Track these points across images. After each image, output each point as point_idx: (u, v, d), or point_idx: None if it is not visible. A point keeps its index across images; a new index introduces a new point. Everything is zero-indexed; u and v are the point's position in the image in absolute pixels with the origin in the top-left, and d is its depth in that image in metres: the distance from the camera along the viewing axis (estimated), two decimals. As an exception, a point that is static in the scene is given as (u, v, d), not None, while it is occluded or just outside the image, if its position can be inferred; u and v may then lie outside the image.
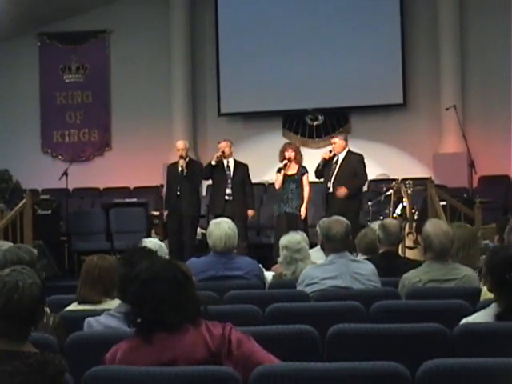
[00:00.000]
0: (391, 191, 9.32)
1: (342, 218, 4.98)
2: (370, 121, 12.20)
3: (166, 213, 10.11)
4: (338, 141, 9.24)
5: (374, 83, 11.91)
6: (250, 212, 9.62)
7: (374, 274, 4.82)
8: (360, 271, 4.79)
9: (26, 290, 2.53)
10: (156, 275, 2.73)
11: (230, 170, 9.69)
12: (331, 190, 9.04)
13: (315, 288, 4.70)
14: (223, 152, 9.60)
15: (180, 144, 9.96)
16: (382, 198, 9.51)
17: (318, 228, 5.05)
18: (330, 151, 9.25)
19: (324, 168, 9.21)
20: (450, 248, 4.62)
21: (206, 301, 2.84)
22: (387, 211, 9.32)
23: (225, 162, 9.68)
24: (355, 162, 9.15)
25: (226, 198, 9.55)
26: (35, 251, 4.20)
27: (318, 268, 4.89)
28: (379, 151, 10.25)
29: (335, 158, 9.19)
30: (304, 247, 5.45)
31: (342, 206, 8.70)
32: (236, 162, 9.76)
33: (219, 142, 9.82)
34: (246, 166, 9.78)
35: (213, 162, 9.63)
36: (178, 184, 9.77)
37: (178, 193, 9.74)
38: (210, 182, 11.33)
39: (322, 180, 9.34)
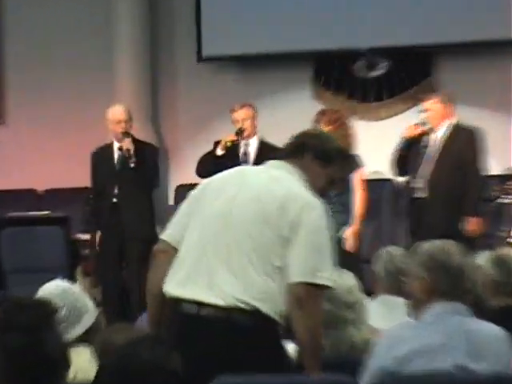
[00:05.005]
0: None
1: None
2: (467, 71, 8.98)
3: (98, 235, 7.81)
4: (432, 105, 7.33)
5: (471, 8, 8.78)
6: None
7: (503, 341, 3.32)
8: (480, 335, 3.31)
9: None
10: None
11: (247, 156, 7.61)
12: (420, 193, 7.21)
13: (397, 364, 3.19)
14: (240, 131, 7.38)
15: (118, 112, 7.48)
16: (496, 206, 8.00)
17: (380, 262, 4.38)
18: (418, 124, 7.35)
19: (409, 156, 7.33)
20: None
21: None
22: (503, 231, 7.77)
23: (241, 145, 7.55)
24: (462, 143, 7.09)
25: None
26: None
27: (408, 329, 3.44)
28: (488, 123, 7.52)
29: (427, 137, 7.26)
30: (359, 300, 4.00)
31: (445, 222, 6.97)
32: (261, 144, 7.64)
33: (233, 110, 7.60)
34: (277, 151, 7.23)
35: (218, 152, 7.47)
36: (116, 184, 7.53)
37: (115, 200, 7.54)
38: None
39: (405, 177, 7.50)
